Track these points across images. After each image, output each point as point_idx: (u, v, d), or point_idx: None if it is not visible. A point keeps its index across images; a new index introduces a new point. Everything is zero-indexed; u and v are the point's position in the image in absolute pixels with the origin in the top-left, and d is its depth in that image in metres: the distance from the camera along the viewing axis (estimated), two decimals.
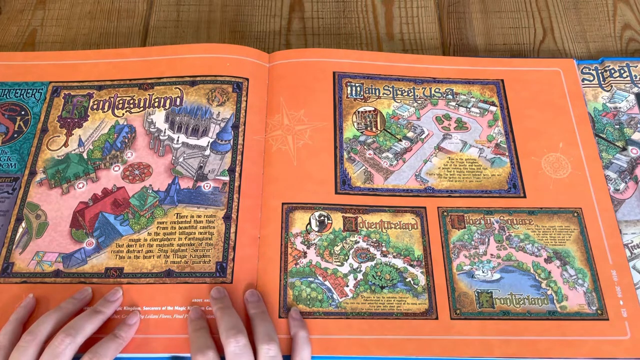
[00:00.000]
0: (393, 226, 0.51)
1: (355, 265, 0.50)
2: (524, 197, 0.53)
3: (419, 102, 0.58)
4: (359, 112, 0.57)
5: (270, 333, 0.43)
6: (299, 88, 0.58)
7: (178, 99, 0.57)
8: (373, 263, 0.50)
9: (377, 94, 0.58)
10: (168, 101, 0.57)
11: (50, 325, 0.43)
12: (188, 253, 0.49)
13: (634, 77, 0.60)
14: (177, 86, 0.58)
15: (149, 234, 0.51)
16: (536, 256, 0.50)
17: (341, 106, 0.57)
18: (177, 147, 0.55)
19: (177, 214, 0.51)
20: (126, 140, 0.55)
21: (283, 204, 0.52)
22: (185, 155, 0.54)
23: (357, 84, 0.59)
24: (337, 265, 0.50)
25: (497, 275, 0.49)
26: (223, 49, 0.60)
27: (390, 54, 0.61)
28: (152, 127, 0.56)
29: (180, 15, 0.68)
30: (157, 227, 0.51)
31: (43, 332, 0.42)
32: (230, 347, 0.41)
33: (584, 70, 0.61)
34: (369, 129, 0.57)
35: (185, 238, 0.50)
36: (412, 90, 0.59)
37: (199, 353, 0.41)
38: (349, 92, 0.58)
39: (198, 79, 0.58)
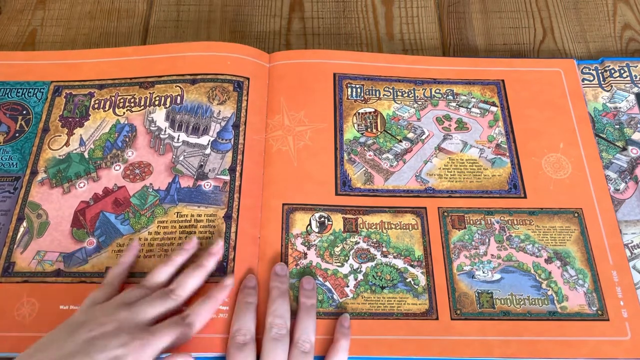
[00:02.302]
0: (393, 227, 0.51)
1: (356, 265, 0.50)
2: (525, 197, 0.53)
3: (419, 103, 0.58)
4: (359, 113, 0.57)
5: (311, 330, 0.45)
6: (299, 89, 0.58)
7: (179, 98, 0.57)
8: (373, 263, 0.50)
9: (378, 95, 0.58)
10: (169, 100, 0.57)
11: (165, 277, 0.46)
12: None
13: (634, 77, 0.60)
14: (178, 84, 0.58)
15: (150, 233, 0.51)
16: (536, 256, 0.50)
17: (341, 107, 0.57)
18: (177, 146, 0.55)
19: (178, 213, 0.51)
20: (127, 139, 0.56)
21: (283, 204, 0.52)
22: (185, 154, 0.54)
23: (357, 85, 0.59)
24: (338, 266, 0.50)
25: (497, 276, 0.49)
26: (224, 47, 0.60)
27: (391, 55, 0.61)
28: (153, 125, 0.56)
29: (180, 15, 0.68)
30: (158, 226, 0.51)
31: (157, 283, 0.46)
32: (272, 331, 0.43)
33: (584, 70, 0.61)
34: (369, 130, 0.57)
35: (186, 237, 0.50)
36: (412, 91, 0.59)
37: (239, 333, 0.44)
38: (349, 93, 0.58)
39: (199, 77, 0.58)
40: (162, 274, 0.46)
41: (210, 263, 0.47)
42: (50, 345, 0.40)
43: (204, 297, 0.45)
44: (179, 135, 0.55)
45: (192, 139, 0.55)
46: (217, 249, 0.48)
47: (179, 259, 0.47)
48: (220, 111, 0.56)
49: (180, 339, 0.43)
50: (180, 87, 0.58)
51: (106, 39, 0.66)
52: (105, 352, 0.39)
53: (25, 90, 0.58)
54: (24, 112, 0.57)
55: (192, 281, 0.46)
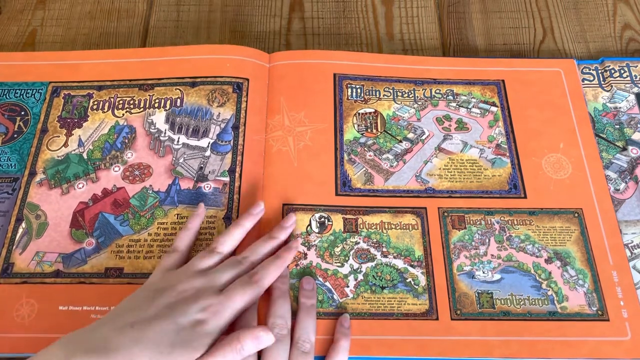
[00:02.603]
0: (393, 227, 0.51)
1: (356, 266, 0.50)
2: (525, 197, 0.53)
3: (419, 103, 0.58)
4: (359, 113, 0.57)
5: (311, 330, 0.45)
6: (299, 89, 0.58)
7: (178, 100, 0.57)
8: (373, 264, 0.50)
9: (378, 96, 0.58)
10: (168, 102, 0.57)
11: (235, 242, 0.48)
12: None
13: (634, 77, 0.60)
14: (178, 87, 0.58)
15: (149, 234, 0.51)
16: (537, 257, 0.50)
17: (341, 108, 0.57)
18: (177, 148, 0.55)
19: (178, 214, 0.51)
20: (126, 141, 0.55)
21: (284, 204, 0.52)
22: (185, 156, 0.54)
23: (357, 86, 0.59)
24: (338, 266, 0.50)
25: (497, 276, 0.49)
26: (223, 49, 0.60)
27: (391, 55, 0.61)
28: (153, 127, 0.56)
29: (180, 15, 0.67)
30: (158, 228, 0.51)
31: (228, 248, 0.48)
32: (273, 332, 0.43)
33: (584, 70, 0.61)
34: (369, 130, 0.57)
35: None
36: (412, 92, 0.59)
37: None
38: (349, 93, 0.58)
39: (198, 80, 0.58)
40: (231, 239, 0.48)
41: (283, 236, 0.49)
42: (131, 310, 0.41)
43: (273, 257, 0.47)
44: (178, 138, 0.55)
45: (192, 141, 0.55)
46: (291, 223, 0.50)
47: (249, 223, 0.49)
48: (219, 113, 0.56)
49: (250, 299, 0.44)
50: (180, 90, 0.58)
51: (106, 39, 0.66)
52: (186, 316, 0.41)
53: (23, 91, 0.58)
54: (22, 112, 0.57)
55: (265, 250, 0.48)
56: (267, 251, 0.48)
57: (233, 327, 0.44)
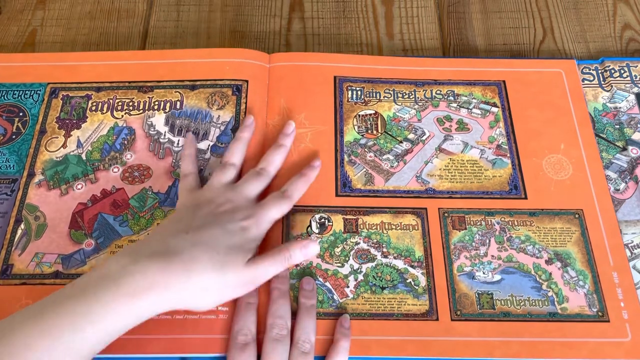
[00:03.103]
0: (394, 227, 0.51)
1: (356, 266, 0.50)
2: (525, 198, 0.53)
3: (419, 104, 0.58)
4: (359, 115, 0.57)
5: (311, 331, 0.45)
6: (299, 91, 0.58)
7: (178, 103, 0.57)
8: (374, 264, 0.50)
9: (378, 97, 0.58)
10: (168, 104, 0.57)
11: (242, 153, 0.52)
12: None
13: (634, 77, 0.60)
14: (177, 90, 0.58)
15: (149, 235, 0.50)
16: (537, 257, 0.50)
17: (342, 110, 0.57)
18: (177, 150, 0.55)
19: None
20: (125, 142, 0.55)
21: None
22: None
23: (357, 88, 0.59)
24: (338, 267, 0.50)
25: (497, 277, 0.49)
26: (223, 53, 0.60)
27: (391, 57, 0.61)
28: (152, 129, 0.56)
29: (180, 15, 0.67)
30: None
31: (239, 159, 0.52)
32: (273, 332, 0.44)
33: (584, 70, 0.61)
34: (369, 131, 0.56)
35: None
36: (413, 93, 0.59)
37: (240, 334, 0.44)
38: (349, 96, 0.58)
39: (198, 83, 0.58)
40: (238, 151, 0.52)
41: (288, 142, 0.53)
42: (178, 222, 0.45)
43: (298, 175, 0.51)
44: (178, 140, 0.55)
45: None
46: (292, 129, 0.54)
47: (247, 134, 0.53)
48: (219, 116, 0.56)
49: (283, 210, 0.49)
50: (180, 93, 0.57)
51: (106, 38, 0.65)
52: (233, 223, 0.44)
53: (21, 92, 0.58)
54: (21, 114, 0.57)
55: (278, 158, 0.52)
56: (280, 159, 0.52)
57: None
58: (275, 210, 0.48)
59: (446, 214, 0.52)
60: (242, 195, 0.48)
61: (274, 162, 0.52)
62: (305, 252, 0.45)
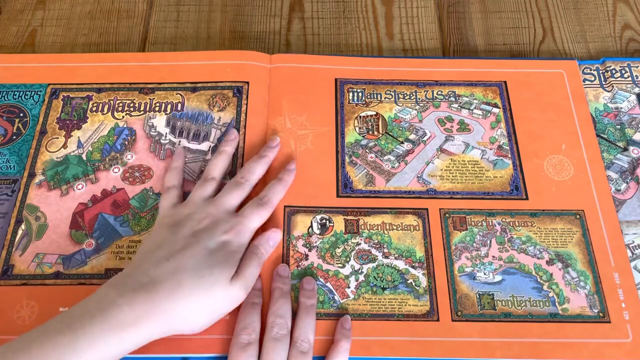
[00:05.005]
0: (395, 228, 0.51)
1: (357, 266, 0.50)
2: (526, 199, 0.53)
3: (421, 104, 0.58)
4: (360, 116, 0.57)
5: (310, 330, 0.45)
6: (301, 93, 0.58)
7: (179, 105, 0.57)
8: (374, 265, 0.50)
9: (379, 99, 0.58)
10: (169, 106, 0.57)
11: (223, 168, 0.52)
12: None
13: (635, 78, 0.60)
14: (178, 92, 0.58)
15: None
16: (538, 258, 0.50)
17: (343, 112, 0.57)
18: None
19: None
20: (126, 143, 0.55)
21: (285, 206, 0.52)
22: (186, 159, 0.54)
23: (358, 90, 0.58)
24: (339, 267, 0.50)
25: (498, 277, 0.49)
26: (224, 55, 0.60)
27: (392, 59, 0.61)
28: (153, 130, 0.56)
29: (180, 15, 0.67)
30: None
31: (220, 174, 0.51)
32: (273, 331, 0.44)
33: (585, 71, 0.61)
34: (370, 132, 0.56)
35: None
36: (414, 94, 0.59)
37: (245, 332, 0.44)
38: (350, 97, 0.58)
39: (199, 85, 0.58)
40: (220, 165, 0.51)
41: (271, 154, 0.53)
42: (159, 247, 0.44)
43: (276, 179, 0.51)
44: (179, 141, 0.55)
45: (193, 145, 0.55)
46: (276, 143, 0.54)
47: (229, 149, 0.53)
48: (220, 117, 0.56)
49: (264, 217, 0.49)
50: (181, 95, 0.57)
51: (106, 38, 0.65)
52: (213, 239, 0.45)
53: (22, 92, 0.58)
54: (21, 114, 0.57)
55: (258, 167, 0.51)
56: (261, 169, 0.51)
57: None
58: (256, 218, 0.48)
59: (447, 215, 0.52)
60: (222, 208, 0.48)
61: (255, 171, 0.51)
62: (270, 243, 0.49)
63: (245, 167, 0.51)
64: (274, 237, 0.49)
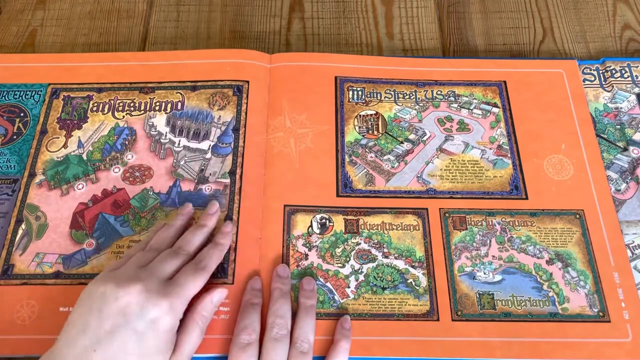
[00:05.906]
0: (395, 227, 0.51)
1: (357, 266, 0.50)
2: (526, 198, 0.53)
3: (420, 104, 0.58)
4: (360, 115, 0.57)
5: (310, 330, 0.45)
6: (300, 92, 0.58)
7: (179, 104, 0.57)
8: (374, 264, 0.50)
9: (379, 98, 0.58)
10: (169, 105, 0.57)
11: (169, 240, 0.48)
12: None
13: (635, 78, 0.60)
14: (178, 91, 0.58)
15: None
16: (538, 258, 0.50)
17: (343, 110, 0.57)
18: (178, 151, 0.55)
19: None
20: (126, 142, 0.55)
21: (285, 206, 0.52)
22: (186, 158, 0.54)
23: (358, 89, 0.59)
24: (339, 267, 0.50)
25: (498, 277, 0.49)
26: (223, 54, 0.60)
27: (392, 58, 0.61)
28: (153, 130, 0.56)
29: (180, 15, 0.67)
30: None
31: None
32: (273, 331, 0.44)
33: (585, 71, 0.61)
34: (370, 132, 0.56)
35: None
36: (413, 93, 0.59)
37: (245, 332, 0.44)
38: (350, 96, 0.58)
39: (199, 84, 0.58)
40: (164, 237, 0.48)
41: (210, 222, 0.49)
42: (84, 330, 0.39)
43: (212, 244, 0.48)
44: (179, 140, 0.55)
45: (193, 144, 0.55)
46: (215, 209, 0.50)
47: (179, 222, 0.49)
48: (220, 116, 0.56)
49: (200, 285, 0.44)
50: (181, 94, 0.57)
51: (106, 38, 0.65)
52: (142, 319, 0.39)
53: (22, 92, 0.58)
54: (22, 114, 0.57)
55: (196, 238, 0.48)
56: (199, 239, 0.48)
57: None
58: (191, 287, 0.43)
59: (447, 215, 0.52)
60: (155, 275, 0.43)
61: (194, 242, 0.47)
62: (217, 301, 0.45)
63: (183, 238, 0.47)
64: (219, 296, 0.45)
